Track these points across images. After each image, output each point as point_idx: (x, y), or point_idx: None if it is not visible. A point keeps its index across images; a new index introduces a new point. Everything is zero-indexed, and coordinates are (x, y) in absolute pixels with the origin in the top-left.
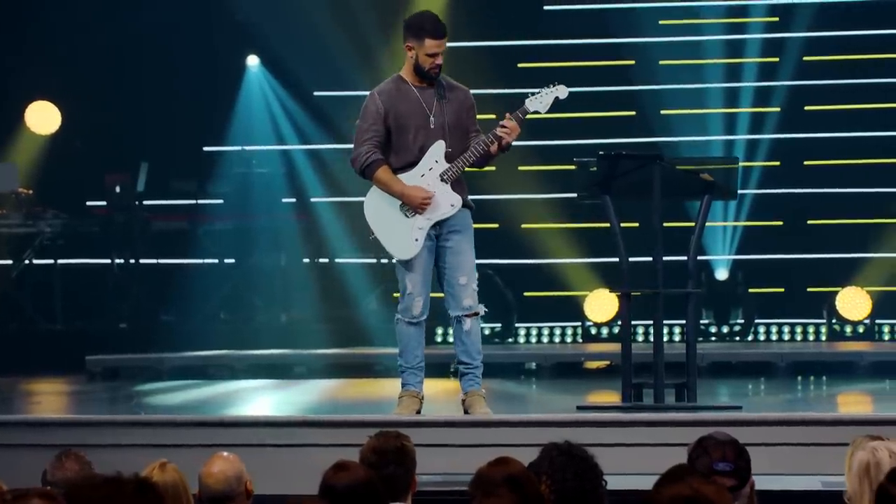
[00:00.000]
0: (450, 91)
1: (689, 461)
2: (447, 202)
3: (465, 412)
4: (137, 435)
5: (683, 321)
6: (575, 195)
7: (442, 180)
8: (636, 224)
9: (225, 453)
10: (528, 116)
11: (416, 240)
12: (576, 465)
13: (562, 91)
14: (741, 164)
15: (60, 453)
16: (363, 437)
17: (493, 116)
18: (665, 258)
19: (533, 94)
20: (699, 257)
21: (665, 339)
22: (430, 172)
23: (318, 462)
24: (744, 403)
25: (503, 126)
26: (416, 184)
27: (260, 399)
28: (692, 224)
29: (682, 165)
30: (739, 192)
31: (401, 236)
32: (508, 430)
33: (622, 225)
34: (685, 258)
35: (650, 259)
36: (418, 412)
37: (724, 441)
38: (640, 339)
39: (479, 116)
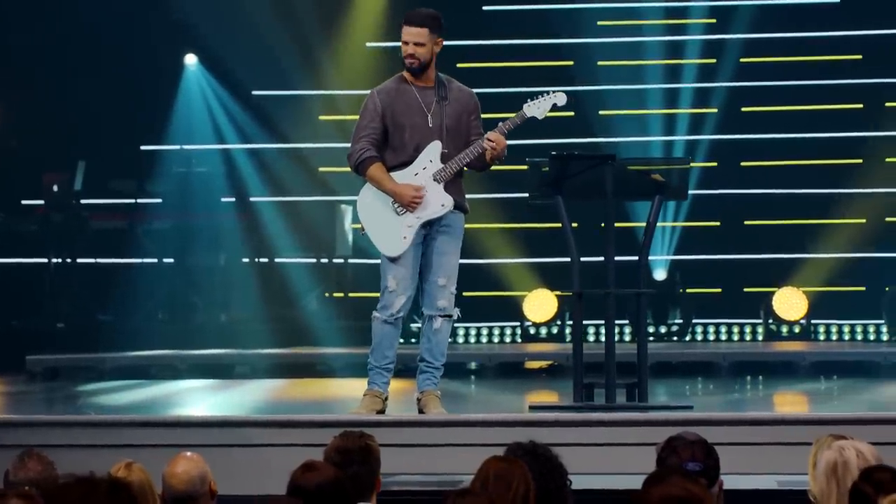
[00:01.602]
0: (452, 92)
1: (658, 461)
2: (438, 202)
3: (420, 411)
4: (97, 435)
5: (624, 321)
6: (518, 195)
7: (434, 180)
8: (575, 224)
9: (188, 453)
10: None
11: (405, 237)
12: (540, 465)
13: (560, 98)
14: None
15: (22, 453)
16: (321, 436)
17: None
18: (601, 258)
19: (532, 99)
20: (636, 258)
21: (604, 339)
22: (423, 172)
23: (278, 462)
24: (692, 403)
25: (489, 140)
26: (408, 182)
27: (208, 399)
28: (633, 224)
29: (634, 166)
30: None
31: (390, 233)
32: (464, 429)
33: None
34: (626, 258)
35: (591, 259)
36: (380, 412)
37: (693, 441)
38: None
39: None
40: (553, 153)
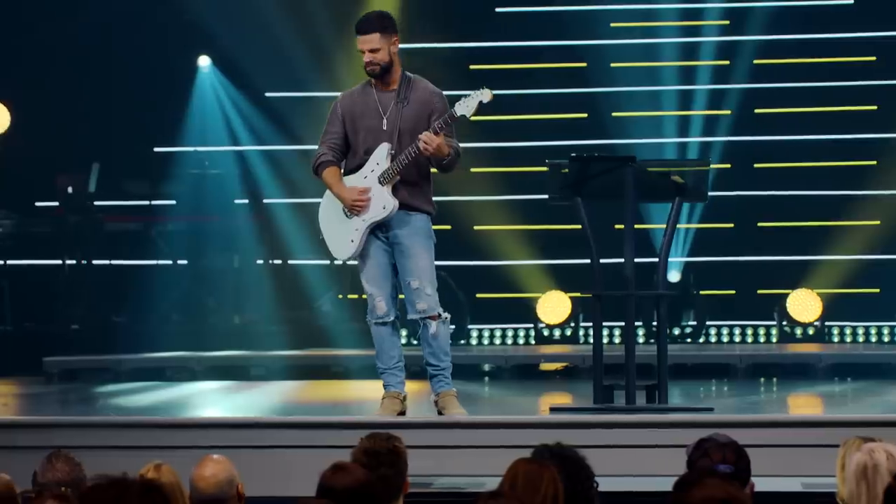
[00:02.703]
0: (415, 93)
1: (688, 463)
2: (379, 204)
3: (440, 413)
4: (122, 436)
5: (637, 323)
6: (531, 197)
7: (380, 183)
8: None
9: (216, 455)
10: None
11: (352, 241)
12: (568, 467)
13: (486, 95)
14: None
15: (50, 454)
16: (344, 438)
17: None
18: (615, 260)
19: (464, 97)
20: (650, 259)
21: (616, 341)
22: (371, 174)
23: (301, 464)
24: (712, 405)
25: (422, 140)
26: (358, 185)
27: (226, 401)
28: (646, 226)
29: (654, 167)
30: None
31: (340, 237)
32: (486, 431)
33: (574, 228)
34: (639, 260)
35: (605, 261)
36: (401, 413)
37: (724, 443)
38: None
39: None
40: (573, 154)
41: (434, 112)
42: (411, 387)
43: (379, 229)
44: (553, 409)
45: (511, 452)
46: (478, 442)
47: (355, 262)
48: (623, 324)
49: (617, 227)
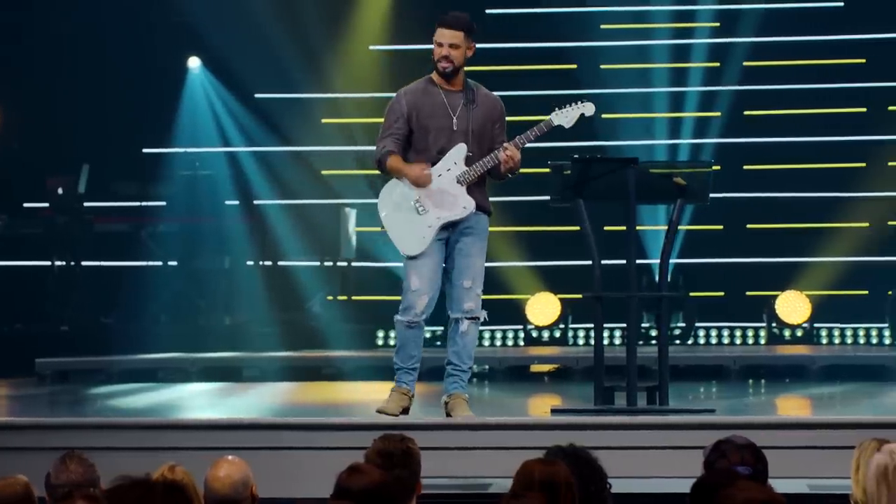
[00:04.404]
0: (479, 98)
1: (706, 465)
2: (460, 204)
3: (448, 415)
4: (129, 437)
5: (625, 325)
6: (521, 199)
7: (458, 182)
8: (578, 228)
9: (230, 457)
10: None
11: (424, 237)
12: (581, 468)
13: (588, 108)
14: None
15: (64, 456)
16: (350, 440)
17: None
18: (609, 262)
19: (559, 108)
20: (640, 261)
21: (606, 342)
22: (447, 173)
23: (310, 465)
24: (713, 407)
25: (506, 149)
26: (433, 184)
27: (223, 402)
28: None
29: (656, 169)
30: None
31: (410, 233)
32: (491, 433)
33: (563, 229)
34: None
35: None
36: (406, 409)
37: (742, 445)
38: (581, 342)
39: None
40: (575, 156)
41: (497, 120)
42: (417, 388)
43: (444, 228)
44: (554, 411)
45: (516, 454)
46: (481, 443)
47: (344, 263)
48: (616, 325)
49: (606, 228)
